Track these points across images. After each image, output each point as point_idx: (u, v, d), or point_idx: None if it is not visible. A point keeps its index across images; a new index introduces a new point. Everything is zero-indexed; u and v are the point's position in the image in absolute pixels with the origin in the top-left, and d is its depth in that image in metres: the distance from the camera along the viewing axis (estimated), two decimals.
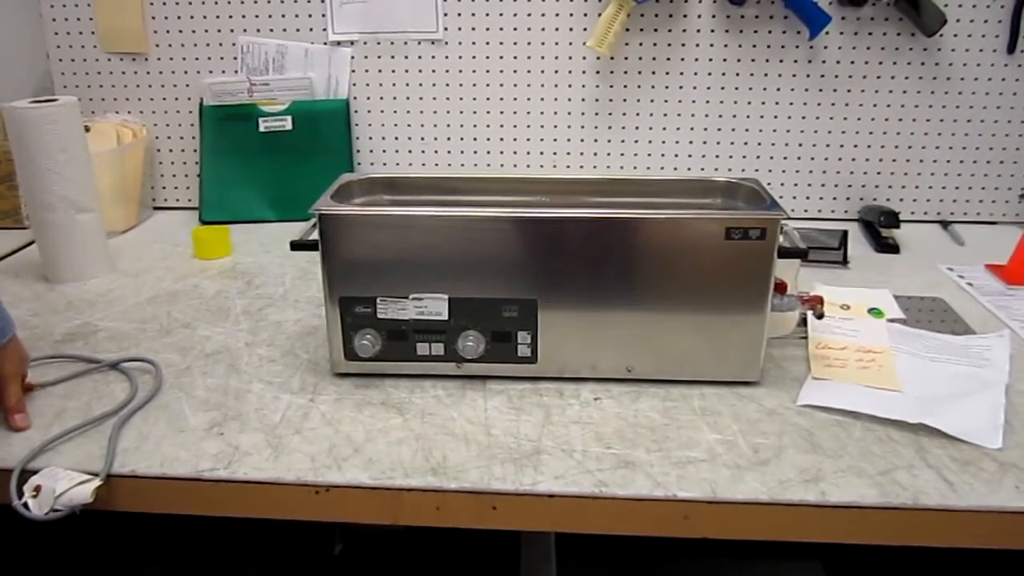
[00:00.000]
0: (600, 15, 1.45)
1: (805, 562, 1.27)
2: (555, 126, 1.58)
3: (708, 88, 1.54)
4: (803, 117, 1.54)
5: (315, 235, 0.92)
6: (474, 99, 1.57)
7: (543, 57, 1.53)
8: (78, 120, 1.24)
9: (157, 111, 1.61)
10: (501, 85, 1.56)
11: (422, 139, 1.60)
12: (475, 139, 1.59)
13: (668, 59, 1.52)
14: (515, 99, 1.56)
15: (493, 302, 0.93)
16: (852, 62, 1.50)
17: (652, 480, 0.78)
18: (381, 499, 0.78)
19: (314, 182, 1.03)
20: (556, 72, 1.54)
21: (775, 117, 1.54)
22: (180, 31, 1.55)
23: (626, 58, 1.52)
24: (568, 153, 1.59)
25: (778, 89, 1.53)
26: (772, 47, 1.50)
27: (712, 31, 1.50)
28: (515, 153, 1.60)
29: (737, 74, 1.52)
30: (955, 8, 1.46)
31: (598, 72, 1.54)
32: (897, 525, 0.76)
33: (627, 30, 1.49)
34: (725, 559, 1.30)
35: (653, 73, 1.53)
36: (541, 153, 1.60)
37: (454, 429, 0.87)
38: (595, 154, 1.59)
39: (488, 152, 1.60)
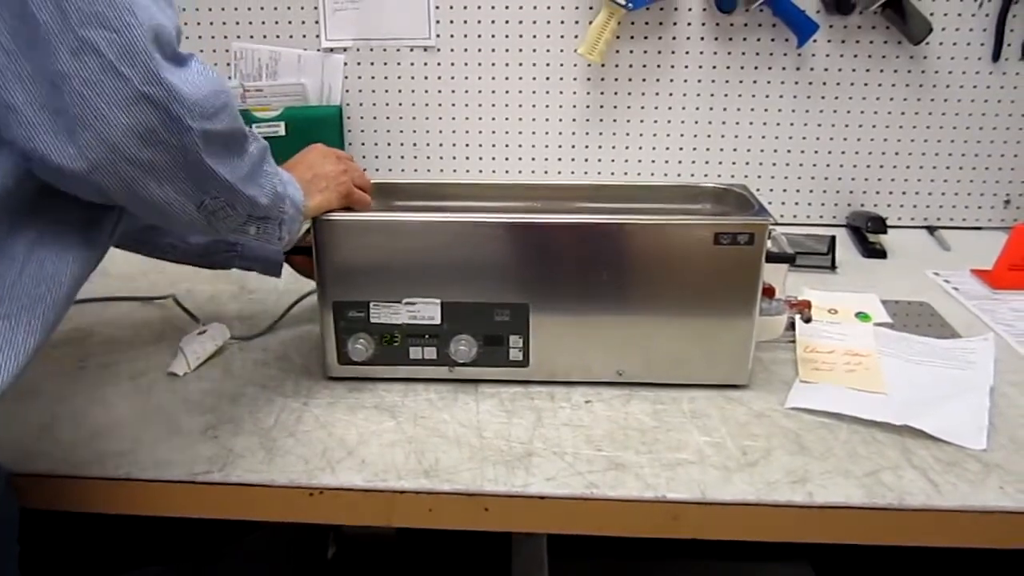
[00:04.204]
0: (591, 23, 1.46)
1: (794, 563, 1.28)
2: (546, 132, 1.59)
3: (698, 95, 1.55)
4: (791, 124, 1.56)
5: (309, 240, 0.93)
6: (466, 105, 1.58)
7: (535, 64, 1.54)
8: None
9: None
10: (493, 92, 1.57)
11: (414, 145, 1.61)
12: (467, 145, 1.60)
13: (658, 66, 1.53)
14: (507, 105, 1.57)
15: (485, 306, 0.94)
16: (840, 70, 1.52)
17: (642, 481, 0.79)
18: (374, 501, 0.79)
19: None
20: (547, 79, 1.55)
21: (764, 124, 1.56)
22: None
23: (617, 65, 1.54)
24: (559, 159, 1.61)
25: (767, 96, 1.54)
26: (761, 54, 1.52)
27: (702, 39, 1.51)
28: (507, 159, 1.61)
29: (726, 81, 1.54)
30: (941, 16, 1.48)
31: (589, 79, 1.55)
32: (883, 525, 0.77)
33: (618, 37, 1.50)
34: (715, 561, 1.31)
35: (643, 80, 1.55)
36: (533, 159, 1.61)
37: (446, 432, 0.88)
38: (586, 160, 1.60)
39: (480, 158, 1.61)
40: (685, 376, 0.96)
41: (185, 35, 1.52)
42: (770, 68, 1.53)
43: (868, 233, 1.48)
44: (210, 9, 1.53)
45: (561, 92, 1.56)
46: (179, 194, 0.67)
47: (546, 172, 1.61)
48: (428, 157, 1.62)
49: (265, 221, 0.78)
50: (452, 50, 1.54)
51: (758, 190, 1.57)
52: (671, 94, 1.55)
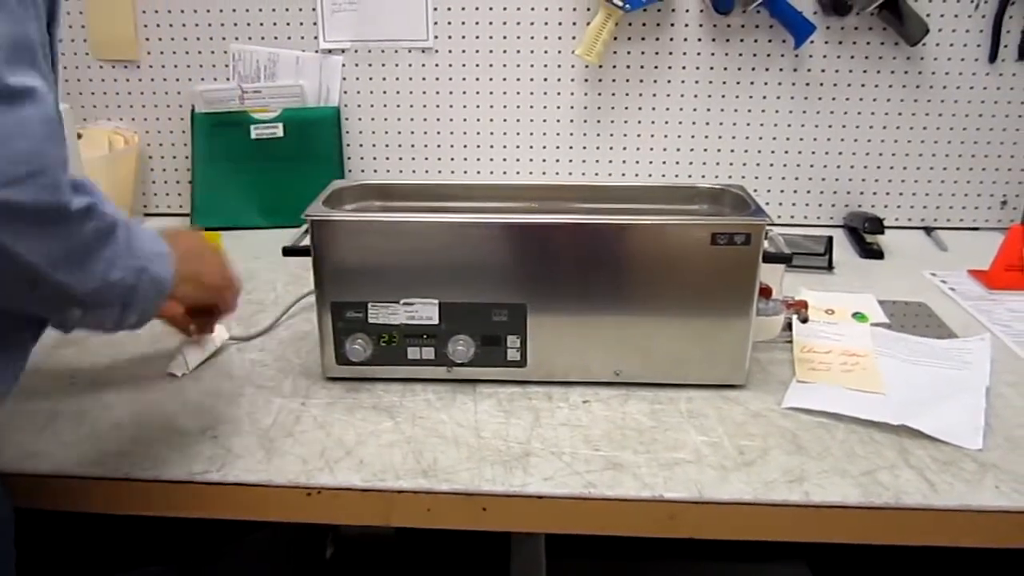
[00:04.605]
0: (588, 24, 1.47)
1: (791, 563, 1.28)
2: (544, 133, 1.59)
3: (695, 96, 1.55)
4: (788, 125, 1.56)
5: (307, 241, 0.93)
6: (464, 107, 1.58)
7: (532, 65, 1.55)
8: (71, 127, 1.25)
9: (149, 118, 1.61)
10: (491, 93, 1.57)
11: (412, 146, 1.62)
12: (465, 146, 1.61)
13: (655, 67, 1.54)
14: (504, 107, 1.58)
15: (483, 307, 0.94)
16: (837, 71, 1.52)
17: (639, 481, 0.80)
18: (372, 501, 0.79)
19: (305, 189, 1.04)
20: (545, 80, 1.56)
21: (761, 125, 1.56)
22: (172, 39, 1.56)
23: (614, 66, 1.54)
24: (557, 160, 1.61)
25: (764, 97, 1.55)
26: (758, 56, 1.52)
27: (699, 40, 1.52)
28: (504, 160, 1.61)
29: (724, 82, 1.54)
30: (937, 18, 1.48)
31: (587, 80, 1.55)
32: (879, 524, 0.78)
33: (615, 39, 1.51)
34: (713, 561, 1.31)
35: (641, 81, 1.55)
36: (530, 160, 1.61)
37: (444, 432, 0.88)
38: (584, 161, 1.61)
39: (478, 159, 1.62)
40: (682, 376, 0.96)
41: (183, 36, 1.55)
42: (767, 69, 1.53)
43: (865, 234, 1.48)
44: (208, 10, 1.54)
45: (559, 93, 1.56)
46: None
47: (544, 173, 1.61)
48: (426, 158, 1.62)
49: (96, 308, 0.66)
50: (450, 51, 1.55)
51: (755, 191, 1.58)
52: (668, 95, 1.56)
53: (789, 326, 1.07)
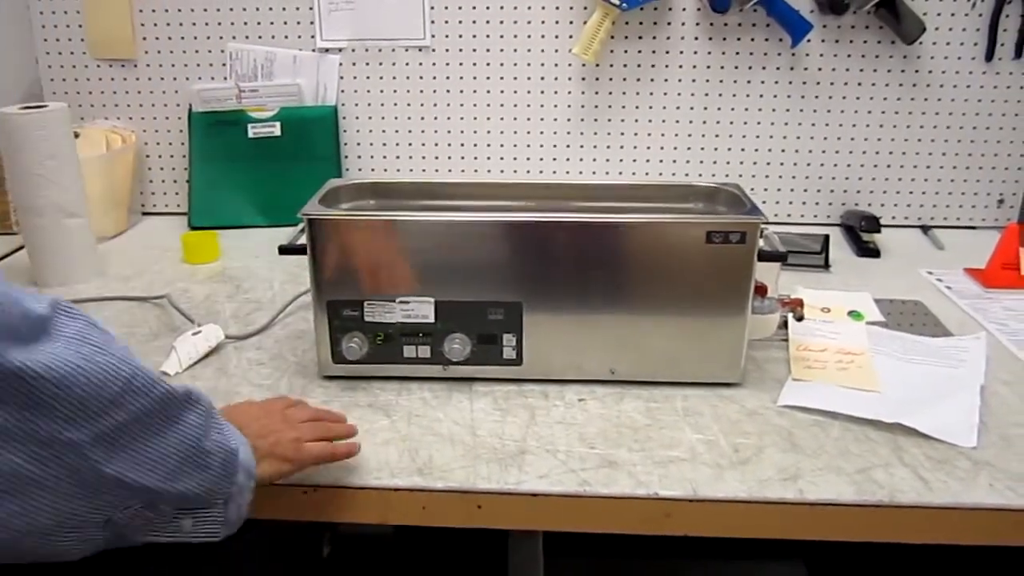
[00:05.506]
0: (585, 23, 1.47)
1: (788, 562, 1.28)
2: (541, 132, 1.59)
3: (692, 95, 1.55)
4: (785, 123, 1.56)
5: (303, 239, 0.93)
6: (461, 105, 1.58)
7: (529, 64, 1.55)
8: (68, 126, 1.25)
9: (146, 117, 1.62)
10: (488, 91, 1.57)
11: (409, 145, 1.62)
12: (462, 145, 1.61)
13: (652, 66, 1.54)
14: (501, 105, 1.58)
15: (479, 305, 0.94)
16: (833, 69, 1.53)
17: (634, 479, 0.80)
18: (368, 499, 0.80)
19: (302, 188, 1.04)
20: (542, 79, 1.56)
21: (758, 123, 1.56)
22: (169, 38, 1.56)
23: (611, 65, 1.54)
24: (554, 159, 1.61)
25: (761, 96, 1.55)
26: (755, 54, 1.52)
27: (696, 39, 1.52)
28: (501, 159, 1.61)
29: (720, 81, 1.54)
30: (934, 16, 1.48)
31: (583, 79, 1.55)
32: (874, 522, 0.78)
33: (612, 38, 1.51)
34: (711, 560, 1.31)
35: (638, 80, 1.55)
36: (527, 159, 1.61)
37: (440, 430, 0.88)
38: (580, 159, 1.61)
39: (475, 158, 1.62)
40: (678, 374, 0.97)
41: (181, 35, 1.55)
42: (764, 68, 1.53)
43: (862, 232, 1.48)
44: (205, 10, 1.54)
45: (555, 92, 1.56)
46: (71, 524, 0.52)
47: (540, 172, 1.62)
48: (423, 157, 1.62)
49: (206, 510, 0.62)
50: (447, 50, 1.55)
51: (752, 189, 1.58)
52: (665, 94, 1.56)
53: (785, 324, 1.07)
